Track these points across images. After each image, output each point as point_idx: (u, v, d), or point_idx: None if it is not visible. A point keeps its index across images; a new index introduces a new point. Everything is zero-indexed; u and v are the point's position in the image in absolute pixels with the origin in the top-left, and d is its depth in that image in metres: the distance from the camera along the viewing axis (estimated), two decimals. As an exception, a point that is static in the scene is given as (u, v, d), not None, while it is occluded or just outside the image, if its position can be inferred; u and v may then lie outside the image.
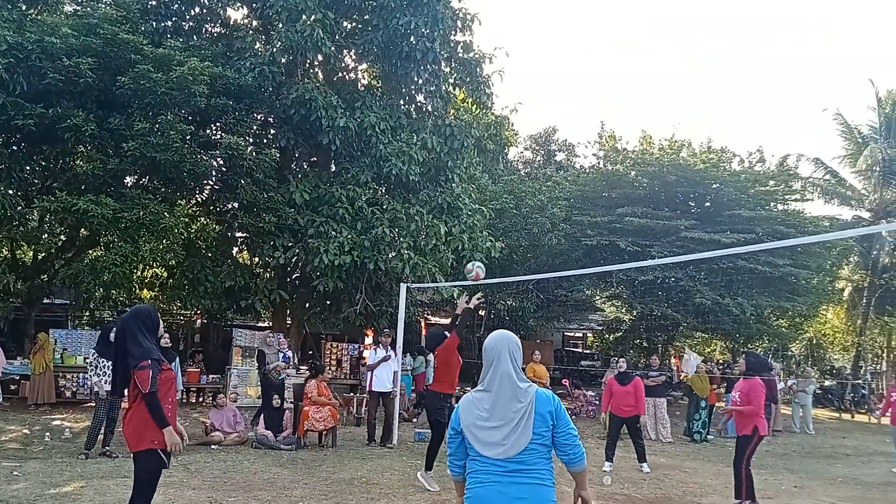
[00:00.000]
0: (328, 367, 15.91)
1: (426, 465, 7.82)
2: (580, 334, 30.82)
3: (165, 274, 15.43)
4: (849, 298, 27.41)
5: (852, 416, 20.61)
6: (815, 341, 29.62)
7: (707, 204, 20.32)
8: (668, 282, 17.92)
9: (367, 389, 11.27)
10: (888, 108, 26.13)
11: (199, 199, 15.49)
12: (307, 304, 16.10)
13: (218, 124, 14.09)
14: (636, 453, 9.93)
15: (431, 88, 14.53)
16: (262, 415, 10.58)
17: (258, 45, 14.20)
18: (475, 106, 16.72)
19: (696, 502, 7.90)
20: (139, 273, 14.70)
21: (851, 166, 26.89)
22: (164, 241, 12.22)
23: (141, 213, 11.69)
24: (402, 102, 15.33)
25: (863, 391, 22.83)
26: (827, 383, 24.51)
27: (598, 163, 25.73)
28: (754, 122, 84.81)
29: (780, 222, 18.75)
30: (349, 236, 13.09)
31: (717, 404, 14.50)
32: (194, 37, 14.66)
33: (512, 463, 2.98)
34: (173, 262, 13.30)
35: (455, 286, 14.41)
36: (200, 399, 15.64)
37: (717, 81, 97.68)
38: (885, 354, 29.52)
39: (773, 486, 9.07)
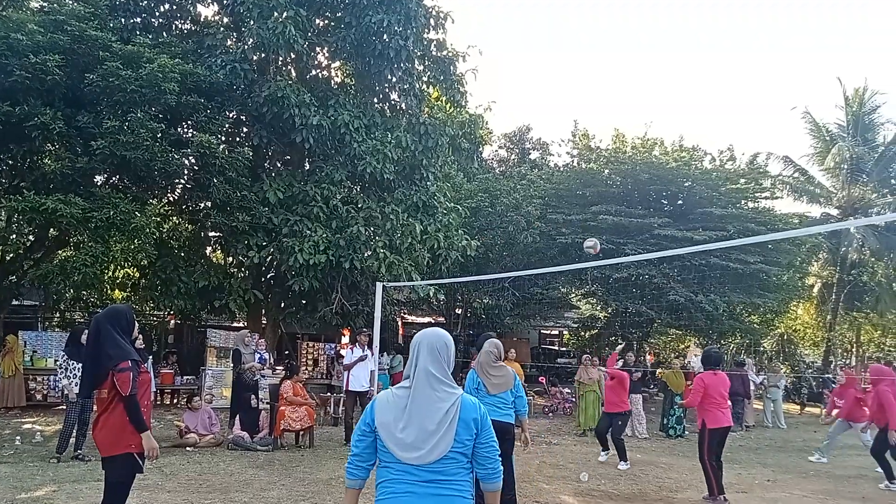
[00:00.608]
0: (304, 367, 15.82)
1: None
2: (556, 332, 30.95)
3: (137, 274, 15.21)
4: (818, 294, 27.91)
5: (801, 410, 20.82)
6: (786, 337, 30.09)
7: (679, 202, 20.50)
8: (641, 279, 18.06)
9: (344, 389, 11.21)
10: (855, 107, 26.64)
11: (171, 198, 15.29)
12: (282, 304, 15.98)
13: (189, 122, 13.91)
14: (617, 451, 10.06)
15: (405, 87, 14.48)
16: (238, 416, 10.47)
17: (229, 42, 14.03)
18: (449, 104, 16.70)
19: (672, 497, 7.97)
20: (110, 273, 14.48)
21: (820, 164, 27.36)
22: (135, 240, 12.04)
23: (111, 213, 11.49)
24: (375, 101, 15.27)
25: (833, 385, 23.20)
26: (838, 377, 24.85)
27: (572, 161, 25.83)
28: (725, 120, 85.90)
29: (750, 220, 18.98)
30: (324, 235, 13.01)
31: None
32: (164, 34, 14.44)
33: (429, 472, 2.72)
34: (145, 262, 13.12)
35: (431, 284, 14.40)
36: (175, 401, 15.46)
37: (689, 79, 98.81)
38: (854, 349, 30.09)
39: (747, 480, 9.19)
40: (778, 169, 27.03)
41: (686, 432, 13.40)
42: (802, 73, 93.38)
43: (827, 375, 24.06)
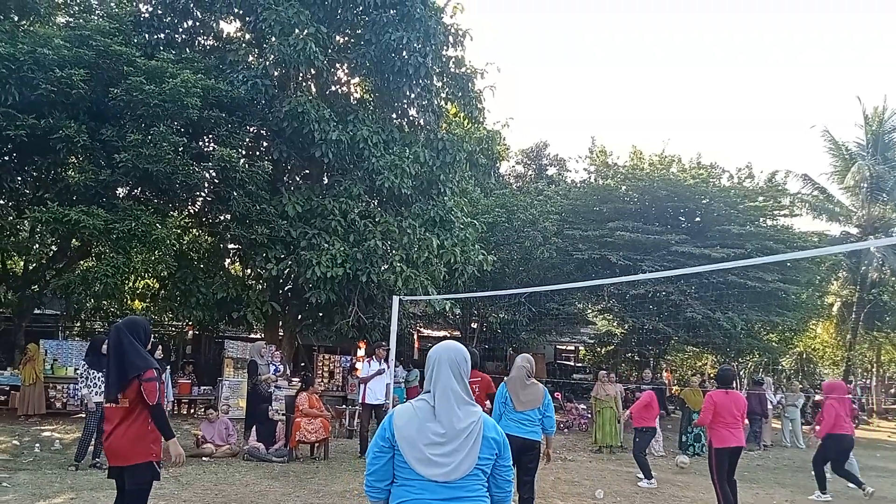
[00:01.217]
0: (320, 380, 15.87)
1: None
2: (572, 347, 30.81)
3: (157, 285, 15.39)
4: (838, 313, 27.60)
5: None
6: (805, 356, 29.75)
7: (697, 219, 20.45)
8: (658, 296, 18.00)
9: (361, 402, 11.23)
10: (875, 126, 26.47)
11: (192, 211, 15.48)
12: (299, 316, 16.06)
13: (210, 136, 14.11)
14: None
15: (423, 103, 14.60)
16: (254, 427, 10.53)
17: (251, 57, 14.24)
18: (467, 120, 16.80)
19: (688, 515, 7.91)
20: (130, 284, 14.65)
21: (839, 183, 27.16)
22: (155, 252, 12.20)
23: (133, 225, 11.65)
24: (394, 116, 15.41)
25: (853, 406, 22.90)
26: (818, 398, 24.58)
27: (589, 177, 25.85)
28: (743, 137, 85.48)
29: (769, 238, 18.89)
30: (342, 248, 13.10)
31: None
32: (187, 49, 14.71)
33: (452, 489, 2.64)
34: (165, 273, 13.28)
35: (447, 299, 14.42)
36: (192, 411, 15.56)
37: (708, 99, 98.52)
38: (874, 369, 29.70)
39: (765, 500, 9.10)
40: (797, 187, 26.87)
41: (703, 451, 13.22)
42: (821, 91, 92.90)
43: (849, 396, 23.72)
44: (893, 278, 25.69)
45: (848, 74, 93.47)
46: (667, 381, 20.75)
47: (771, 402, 16.23)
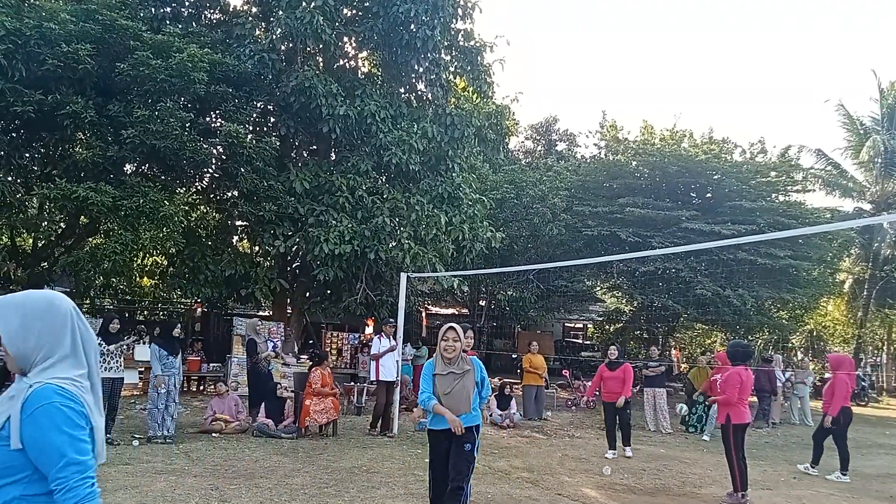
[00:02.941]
0: (329, 357, 15.92)
1: None
2: (580, 325, 30.84)
3: (165, 262, 15.39)
4: (849, 290, 27.44)
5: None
6: (815, 333, 29.63)
7: (708, 195, 20.27)
8: (668, 273, 17.90)
9: (375, 378, 11.22)
10: (890, 100, 26.10)
11: (199, 188, 15.43)
12: (307, 293, 16.06)
13: (217, 112, 14.01)
14: (621, 436, 10.05)
15: (432, 77, 14.42)
16: (263, 403, 10.56)
17: (258, 31, 14.09)
18: (476, 95, 16.62)
19: (695, 492, 7.90)
20: (139, 261, 14.67)
21: (853, 158, 26.86)
22: (163, 229, 12.16)
23: (141, 201, 11.61)
24: (402, 91, 15.25)
25: (863, 383, 22.83)
26: (827, 375, 24.52)
27: (599, 153, 25.66)
28: (756, 111, 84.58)
29: (781, 213, 18.71)
30: (349, 225, 13.05)
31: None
32: (193, 23, 14.54)
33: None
34: (173, 250, 13.25)
35: (455, 276, 14.38)
36: (201, 388, 15.66)
37: (720, 72, 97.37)
38: (885, 346, 29.58)
39: (773, 477, 9.08)
40: (810, 162, 26.62)
41: (705, 429, 13.09)
42: (836, 62, 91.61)
43: (857, 373, 23.67)
44: (906, 255, 25.48)
45: (864, 43, 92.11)
46: (675, 359, 20.70)
47: (780, 379, 16.18)
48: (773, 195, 20.24)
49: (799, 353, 26.38)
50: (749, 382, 7.61)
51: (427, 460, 5.66)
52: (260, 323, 13.23)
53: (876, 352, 30.15)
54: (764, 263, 17.33)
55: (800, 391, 16.14)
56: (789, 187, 21.59)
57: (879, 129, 25.86)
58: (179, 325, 10.06)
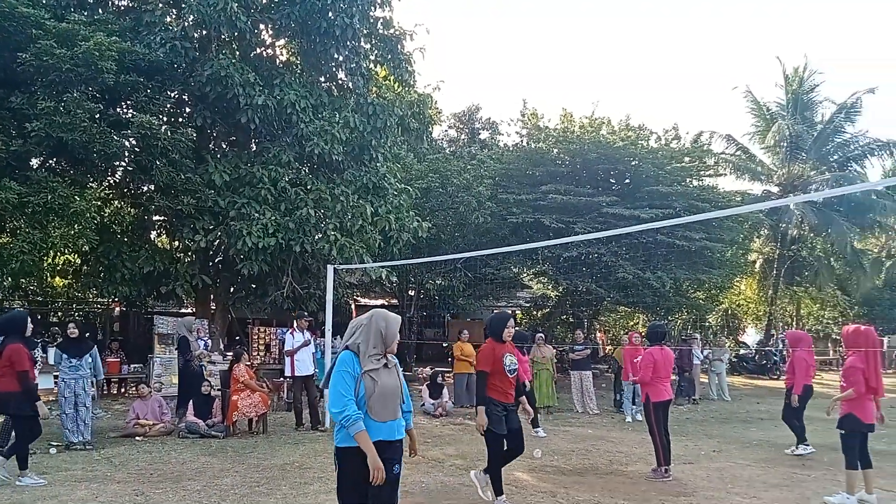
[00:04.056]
0: (256, 353, 15.63)
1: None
2: (509, 311, 31.22)
3: (79, 260, 14.72)
4: (760, 270, 28.79)
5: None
6: (730, 312, 30.93)
7: (626, 181, 20.82)
8: (591, 257, 18.33)
9: (290, 375, 11.12)
10: (795, 85, 27.39)
11: (112, 182, 14.82)
12: (231, 289, 15.69)
13: (129, 102, 13.46)
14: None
15: (352, 66, 14.24)
16: (191, 402, 10.25)
17: (169, 18, 13.53)
18: (397, 84, 16.52)
19: (622, 470, 8.12)
20: (50, 260, 13.97)
21: (761, 142, 28.13)
22: (75, 226, 11.60)
23: (49, 198, 11.06)
24: (322, 80, 15.01)
25: (775, 358, 24.04)
26: (742, 352, 25.69)
27: (521, 141, 25.96)
28: (670, 99, 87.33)
29: (695, 197, 19.40)
30: (273, 218, 12.79)
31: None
32: (100, 10, 13.86)
33: None
34: (86, 247, 12.68)
35: (383, 267, 14.31)
36: (122, 390, 15.11)
37: (635, 58, 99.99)
38: (794, 322, 31.17)
39: (693, 451, 9.43)
40: (721, 147, 27.71)
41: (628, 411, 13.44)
42: (745, 49, 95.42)
43: (769, 348, 24.89)
44: (811, 235, 26.88)
45: (771, 30, 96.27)
46: (601, 342, 21.25)
47: (698, 357, 16.85)
48: (688, 180, 20.96)
49: (717, 332, 27.47)
50: (664, 361, 7.80)
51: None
52: (196, 321, 12.81)
53: (786, 327, 31.75)
54: (681, 246, 17.95)
55: (717, 368, 16.83)
56: (702, 172, 22.40)
57: (784, 115, 27.15)
58: (73, 324, 9.56)
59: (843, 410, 6.44)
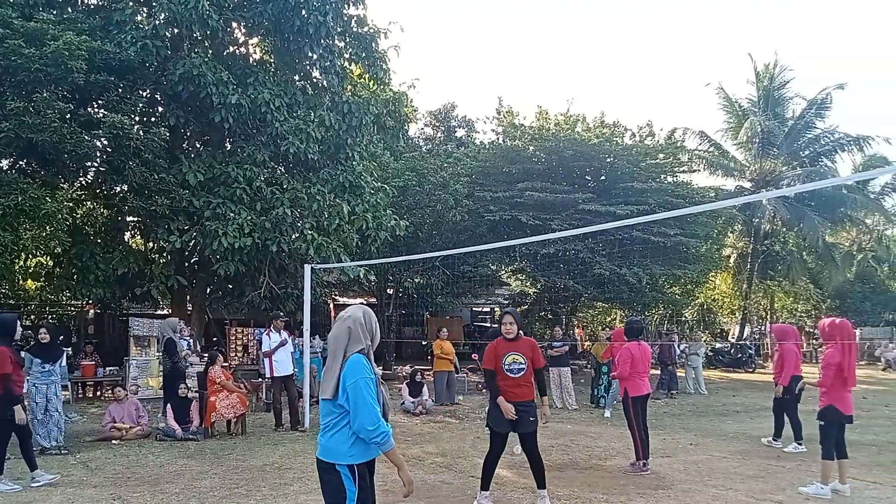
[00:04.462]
0: (234, 354, 15.51)
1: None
2: (488, 309, 31.29)
3: (51, 263, 14.50)
4: (734, 265, 29.15)
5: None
6: (705, 306, 31.26)
7: (602, 177, 20.95)
8: (568, 254, 18.41)
9: (269, 375, 11.06)
10: (766, 82, 27.76)
11: (84, 182, 14.61)
12: (208, 290, 15.56)
13: (100, 102, 13.25)
14: None
15: (326, 64, 14.15)
16: (170, 405, 10.14)
17: (140, 17, 13.35)
18: (372, 82, 16.48)
19: (601, 465, 8.17)
20: (21, 263, 13.77)
21: (733, 139, 28.47)
22: (46, 227, 11.43)
23: (19, 199, 10.86)
24: (297, 78, 14.92)
25: (749, 351, 24.34)
26: (718, 345, 25.99)
27: (497, 139, 26.02)
28: (644, 96, 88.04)
29: (670, 193, 19.58)
30: (248, 217, 12.69)
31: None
32: (69, 9, 13.63)
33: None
34: (59, 249, 12.48)
35: (360, 265, 14.26)
36: (98, 393, 14.90)
37: (609, 56, 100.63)
38: (768, 315, 31.61)
39: (671, 444, 9.52)
40: (694, 144, 28.02)
41: (615, 402, 13.63)
42: (717, 46, 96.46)
43: (744, 342, 25.20)
44: (784, 229, 27.28)
45: (742, 27, 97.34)
46: (579, 338, 21.36)
47: (676, 350, 17.02)
48: (662, 176, 21.16)
49: (693, 326, 27.77)
50: (642, 356, 7.86)
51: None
52: (180, 322, 12.65)
53: (760, 321, 32.18)
54: (656, 242, 18.10)
55: (693, 362, 16.99)
56: (676, 168, 22.63)
57: (756, 111, 27.51)
58: (45, 329, 9.42)
59: (823, 402, 6.56)
